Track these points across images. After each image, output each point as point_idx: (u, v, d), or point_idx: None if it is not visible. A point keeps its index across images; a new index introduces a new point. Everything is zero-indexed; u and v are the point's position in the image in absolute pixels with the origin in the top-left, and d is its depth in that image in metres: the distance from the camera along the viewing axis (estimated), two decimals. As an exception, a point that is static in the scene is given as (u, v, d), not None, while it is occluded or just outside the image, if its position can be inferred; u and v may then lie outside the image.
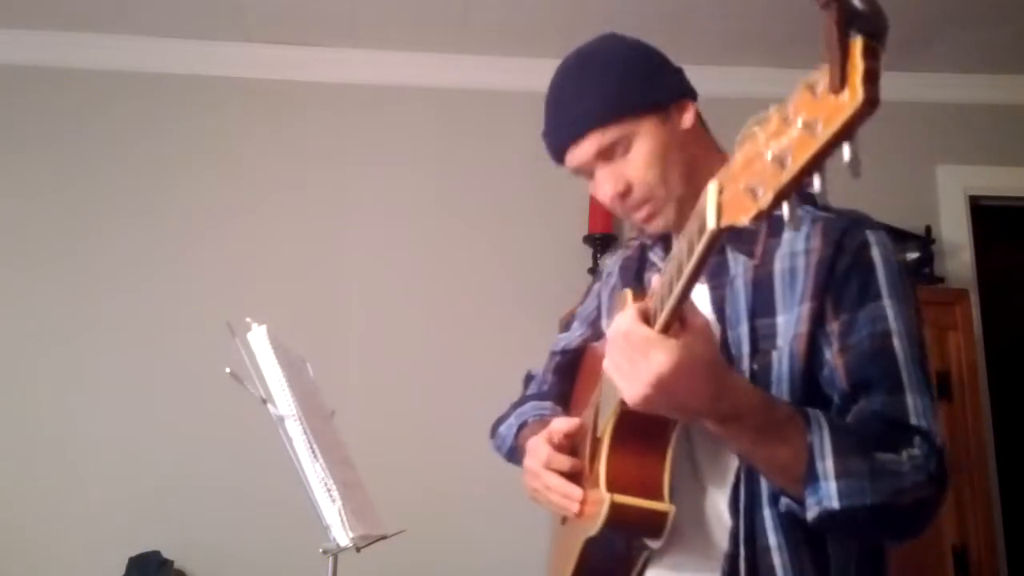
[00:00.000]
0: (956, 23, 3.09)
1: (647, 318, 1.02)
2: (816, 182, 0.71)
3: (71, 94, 3.16)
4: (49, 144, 3.12)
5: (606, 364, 1.07)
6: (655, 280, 1.05)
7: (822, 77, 0.67)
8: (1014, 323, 3.40)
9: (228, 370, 1.61)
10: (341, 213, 3.19)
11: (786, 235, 1.24)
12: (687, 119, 1.31)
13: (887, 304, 1.17)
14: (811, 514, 1.08)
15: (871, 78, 0.64)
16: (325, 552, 1.62)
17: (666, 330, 1.00)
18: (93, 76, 3.17)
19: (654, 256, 1.42)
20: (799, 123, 0.70)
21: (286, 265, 3.11)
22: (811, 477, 1.07)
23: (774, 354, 1.19)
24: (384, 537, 1.78)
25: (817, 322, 1.18)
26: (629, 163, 1.28)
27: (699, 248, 0.87)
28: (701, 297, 1.25)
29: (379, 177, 3.23)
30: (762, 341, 1.21)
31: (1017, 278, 3.47)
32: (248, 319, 1.71)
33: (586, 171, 1.32)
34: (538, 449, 1.34)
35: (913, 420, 1.13)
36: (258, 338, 1.70)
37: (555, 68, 1.39)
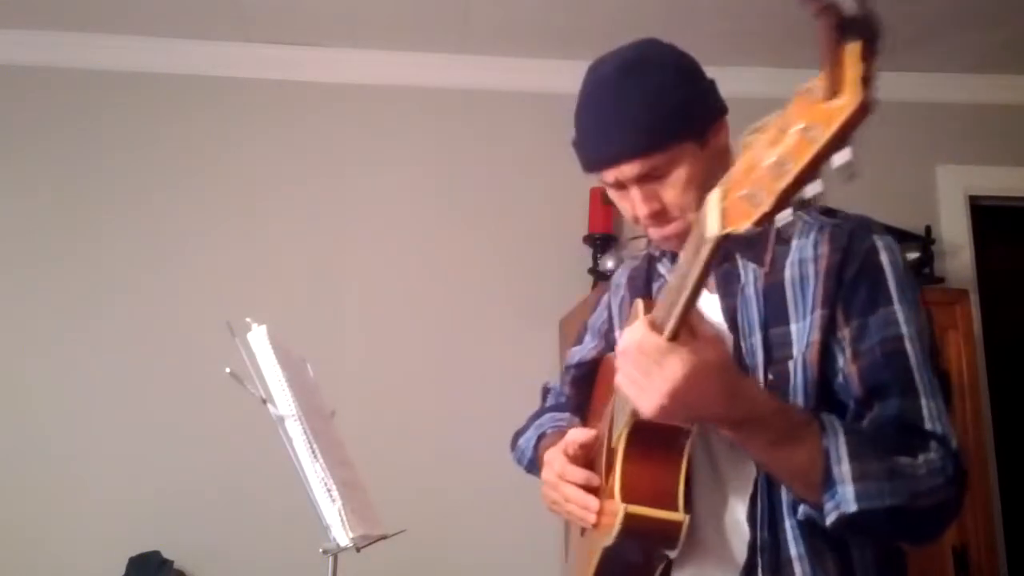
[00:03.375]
0: (956, 23, 3.09)
1: (656, 329, 1.02)
2: (818, 186, 0.73)
3: (71, 94, 3.16)
4: (49, 144, 3.12)
5: (618, 378, 1.08)
6: (663, 290, 1.04)
7: (819, 83, 0.69)
8: (1014, 323, 3.40)
9: (228, 370, 1.61)
10: (341, 213, 3.19)
11: (795, 242, 1.25)
12: (723, 136, 1.30)
13: (897, 309, 1.18)
14: (829, 519, 1.08)
15: (866, 82, 0.67)
16: (325, 552, 1.62)
17: (675, 338, 1.01)
18: (93, 76, 3.17)
19: (662, 268, 1.44)
20: (797, 129, 0.71)
21: (286, 265, 3.11)
22: (828, 482, 1.07)
23: (790, 364, 1.20)
24: (384, 537, 1.78)
25: (829, 330, 1.19)
26: (667, 186, 1.26)
27: (703, 256, 0.88)
28: (712, 307, 1.27)
29: (379, 177, 3.23)
30: (776, 350, 1.21)
31: (1017, 278, 3.48)
32: (248, 319, 1.71)
33: (617, 185, 1.30)
34: (554, 461, 1.35)
35: (928, 425, 1.13)
36: (258, 338, 1.70)
37: (584, 73, 1.33)
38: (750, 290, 1.25)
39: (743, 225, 0.79)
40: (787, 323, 1.22)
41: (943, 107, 3.43)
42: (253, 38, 3.19)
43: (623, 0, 2.89)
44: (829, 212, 1.27)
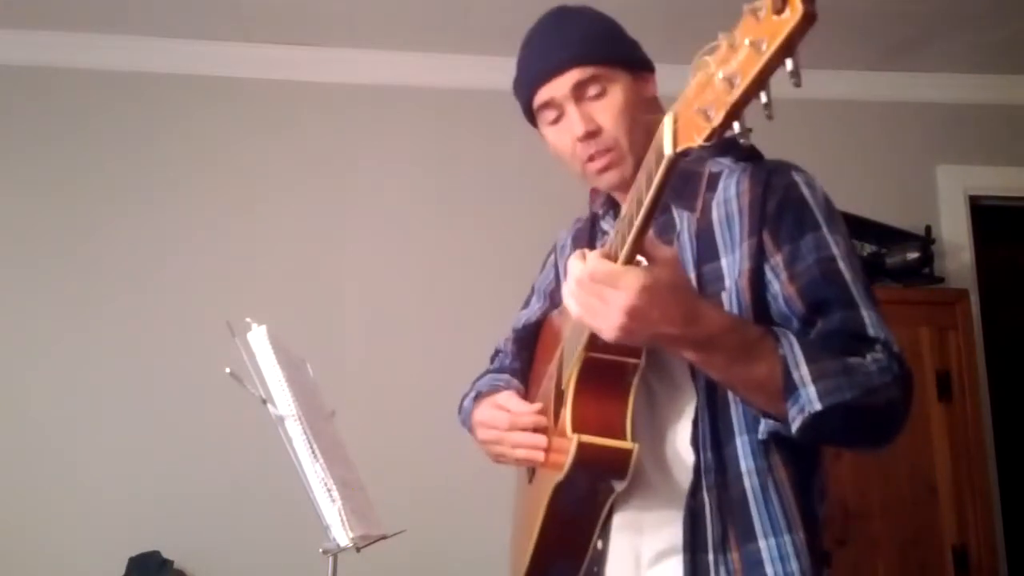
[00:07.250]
0: (956, 23, 3.09)
1: (609, 257, 1.06)
2: (763, 97, 0.79)
3: (71, 94, 3.16)
4: (49, 144, 3.12)
5: (575, 310, 1.09)
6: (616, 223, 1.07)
7: (765, 2, 0.76)
8: (1014, 323, 3.40)
9: (228, 370, 1.60)
10: (341, 213, 3.19)
11: (720, 185, 1.32)
12: (651, 88, 1.39)
13: (826, 233, 1.24)
14: (795, 425, 1.13)
15: None
16: (325, 552, 1.62)
17: (628, 263, 1.05)
18: (93, 76, 3.16)
19: (605, 224, 1.47)
20: (746, 44, 0.77)
21: (286, 265, 3.11)
22: (790, 387, 1.12)
23: (723, 295, 1.26)
24: (384, 537, 1.78)
25: (759, 257, 1.25)
26: (601, 107, 1.33)
27: (657, 177, 0.93)
28: None
29: (379, 177, 3.23)
30: (709, 285, 1.27)
31: (1017, 278, 3.48)
32: (248, 319, 1.71)
33: (554, 108, 1.36)
34: (496, 417, 1.41)
35: (871, 332, 1.19)
36: (258, 338, 1.70)
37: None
38: (685, 236, 1.32)
39: (696, 140, 0.84)
40: (718, 259, 1.28)
41: (943, 107, 3.43)
42: (253, 38, 3.19)
43: (622, 0, 2.89)
44: (753, 156, 1.33)
